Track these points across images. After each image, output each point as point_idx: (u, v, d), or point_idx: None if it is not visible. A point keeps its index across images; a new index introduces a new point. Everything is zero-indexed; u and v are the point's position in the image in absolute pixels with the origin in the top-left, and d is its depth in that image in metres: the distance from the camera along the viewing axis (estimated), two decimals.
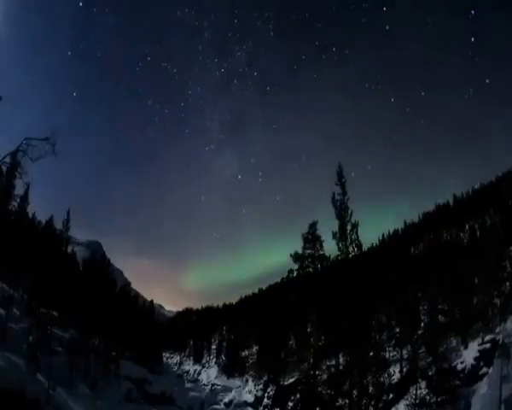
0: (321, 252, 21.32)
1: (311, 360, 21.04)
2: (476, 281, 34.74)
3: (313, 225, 21.79)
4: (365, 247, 37.54)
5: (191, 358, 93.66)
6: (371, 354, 19.52)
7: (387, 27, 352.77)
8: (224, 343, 79.43)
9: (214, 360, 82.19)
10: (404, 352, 34.24)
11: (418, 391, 25.90)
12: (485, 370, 25.33)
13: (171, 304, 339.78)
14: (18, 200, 30.15)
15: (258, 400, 53.46)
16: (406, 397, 27.24)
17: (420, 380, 26.98)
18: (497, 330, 28.30)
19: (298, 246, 21.65)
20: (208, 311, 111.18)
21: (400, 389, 30.23)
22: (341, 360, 21.26)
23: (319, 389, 21.00)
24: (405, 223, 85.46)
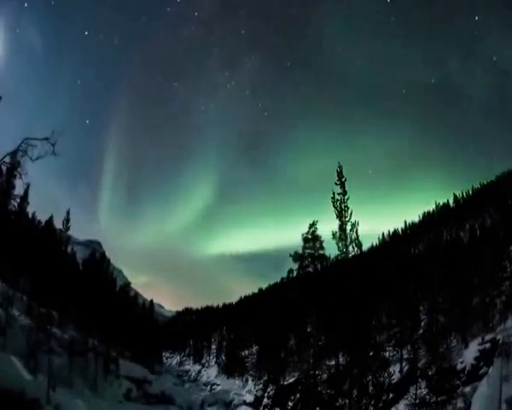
0: (321, 252, 21.34)
1: (311, 360, 21.05)
2: (476, 281, 34.72)
3: (313, 225, 21.81)
4: (365, 247, 37.78)
5: (191, 358, 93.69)
6: (371, 354, 19.53)
7: (392, 19, 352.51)
8: (224, 343, 79.42)
9: (214, 359, 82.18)
10: (404, 352, 34.23)
11: (418, 391, 25.89)
12: (485, 369, 25.26)
13: (171, 304, 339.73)
14: (18, 200, 30.16)
15: (258, 399, 53.40)
16: (406, 397, 27.22)
17: (420, 380, 26.97)
18: (498, 329, 28.28)
19: (298, 246, 21.70)
20: (208, 311, 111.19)
21: (400, 389, 30.21)
22: (341, 359, 21.27)
23: (319, 388, 21.03)
24: (405, 223, 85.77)
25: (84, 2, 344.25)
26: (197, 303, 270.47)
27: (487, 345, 26.88)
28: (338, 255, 19.11)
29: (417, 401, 24.98)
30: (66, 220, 33.97)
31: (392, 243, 77.17)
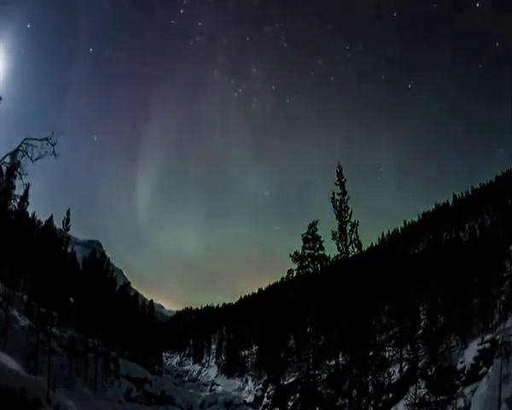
0: (320, 252, 21.32)
1: (311, 360, 21.05)
2: (476, 281, 34.75)
3: (313, 225, 21.80)
4: (365, 247, 37.71)
5: (191, 358, 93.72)
6: (371, 354, 19.52)
7: (395, 14, 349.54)
8: (224, 343, 79.51)
9: (214, 359, 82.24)
10: (404, 352, 34.27)
11: (418, 391, 25.91)
12: (484, 369, 25.32)
13: (171, 304, 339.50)
14: (18, 200, 30.13)
15: (258, 399, 53.49)
16: (406, 397, 27.27)
17: (419, 380, 27.01)
18: (497, 329, 28.33)
19: (298, 246, 21.68)
20: (208, 311, 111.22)
21: (400, 389, 30.26)
22: (341, 359, 21.28)
23: (319, 388, 21.02)
24: (405, 223, 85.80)
25: (87, 19, 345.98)
26: (197, 303, 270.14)
27: (487, 345, 26.93)
28: (338, 255, 19.10)
29: (417, 401, 25.00)
30: (67, 220, 33.91)
31: (392, 242, 77.23)
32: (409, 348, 33.92)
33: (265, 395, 52.01)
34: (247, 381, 62.04)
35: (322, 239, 21.46)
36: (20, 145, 12.06)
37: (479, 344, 27.98)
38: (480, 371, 25.86)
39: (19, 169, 12.68)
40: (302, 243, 21.47)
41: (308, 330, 23.71)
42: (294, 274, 21.63)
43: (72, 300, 40.16)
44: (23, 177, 12.71)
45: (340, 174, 19.04)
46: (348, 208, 18.84)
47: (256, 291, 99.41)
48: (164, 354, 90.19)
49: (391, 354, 35.56)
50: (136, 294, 77.25)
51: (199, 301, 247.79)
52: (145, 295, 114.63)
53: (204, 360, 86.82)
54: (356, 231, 18.65)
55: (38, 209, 53.72)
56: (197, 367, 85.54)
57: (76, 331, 36.77)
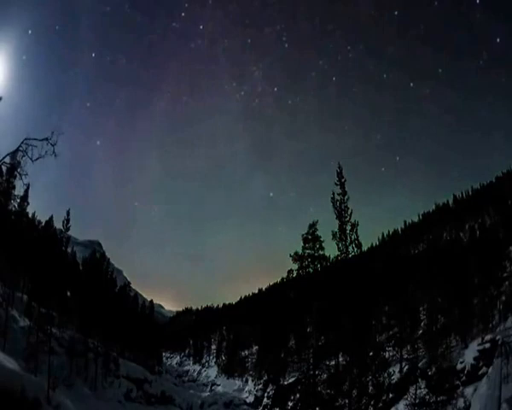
0: (320, 252, 21.30)
1: (311, 360, 21.04)
2: (476, 281, 34.76)
3: (313, 225, 21.78)
4: (365, 247, 37.73)
5: (191, 358, 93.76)
6: (371, 354, 19.53)
7: (396, 13, 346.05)
8: (224, 343, 79.53)
9: (214, 359, 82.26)
10: (404, 352, 34.28)
11: (418, 391, 25.91)
12: (484, 370, 25.30)
13: (171, 304, 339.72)
14: (18, 200, 30.10)
15: (258, 400, 53.52)
16: (406, 397, 27.25)
17: (419, 380, 27.02)
18: (497, 329, 28.32)
19: (298, 246, 21.66)
20: (208, 311, 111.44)
21: (400, 389, 30.25)
22: (341, 359, 21.27)
23: (319, 388, 21.00)
24: (405, 223, 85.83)
25: (89, 24, 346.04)
26: (197, 303, 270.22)
27: (487, 345, 26.91)
28: (338, 255, 19.10)
29: (417, 401, 25.00)
30: (67, 220, 33.92)
31: (392, 243, 77.25)
32: (409, 348, 33.95)
33: (265, 395, 52.03)
34: (247, 381, 62.08)
35: (322, 239, 21.44)
36: (20, 145, 12.08)
37: (479, 344, 27.97)
38: (480, 372, 25.84)
39: (19, 169, 12.69)
40: (302, 243, 21.46)
41: (308, 330, 23.70)
42: (294, 274, 21.61)
43: (72, 300, 40.18)
44: (23, 177, 12.74)
45: (340, 174, 19.04)
46: (348, 208, 18.85)
47: (256, 291, 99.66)
48: (164, 354, 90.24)
49: (391, 354, 35.58)
50: (136, 294, 77.35)
51: (199, 301, 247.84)
52: (145, 296, 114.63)
53: (204, 360, 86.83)
54: (356, 231, 18.66)
55: (38, 209, 53.72)
56: (197, 367, 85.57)
57: (76, 331, 36.80)
